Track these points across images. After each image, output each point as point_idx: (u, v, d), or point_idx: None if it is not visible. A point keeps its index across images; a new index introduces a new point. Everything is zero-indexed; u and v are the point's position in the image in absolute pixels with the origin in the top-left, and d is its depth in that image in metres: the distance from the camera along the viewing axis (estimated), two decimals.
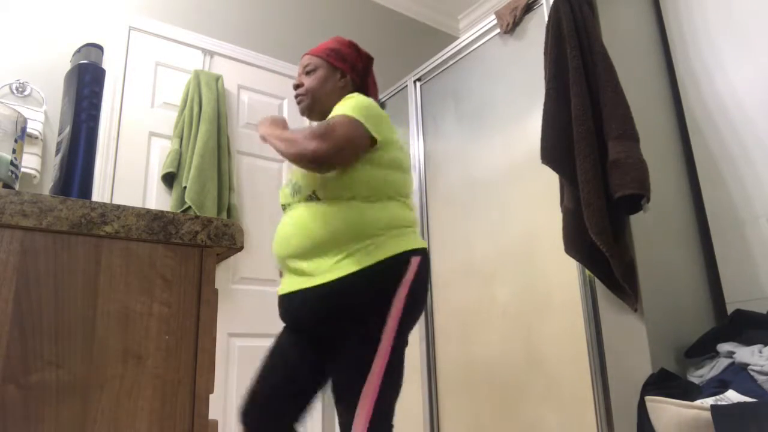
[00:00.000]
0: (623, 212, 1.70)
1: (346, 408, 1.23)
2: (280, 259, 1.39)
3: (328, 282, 1.27)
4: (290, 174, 1.49)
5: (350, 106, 1.34)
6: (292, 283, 1.35)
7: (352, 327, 1.27)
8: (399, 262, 1.29)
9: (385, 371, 1.22)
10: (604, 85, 1.75)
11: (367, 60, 1.59)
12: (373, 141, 1.34)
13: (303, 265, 1.32)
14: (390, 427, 1.24)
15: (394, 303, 1.25)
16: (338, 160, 1.28)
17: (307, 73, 1.52)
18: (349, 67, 1.53)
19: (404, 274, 1.28)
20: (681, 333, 1.72)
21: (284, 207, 1.47)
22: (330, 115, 1.37)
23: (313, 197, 1.35)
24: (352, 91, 1.54)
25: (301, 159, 1.27)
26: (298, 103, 1.53)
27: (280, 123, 1.44)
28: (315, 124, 1.42)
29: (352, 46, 1.56)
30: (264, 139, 1.40)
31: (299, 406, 1.36)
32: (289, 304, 1.36)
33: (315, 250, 1.30)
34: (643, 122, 1.88)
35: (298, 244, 1.33)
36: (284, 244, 1.36)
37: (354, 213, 1.30)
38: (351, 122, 1.31)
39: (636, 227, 1.75)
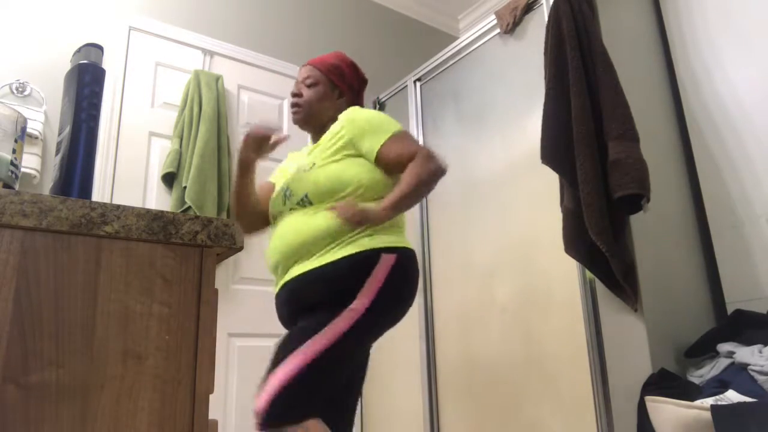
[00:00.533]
0: (623, 212, 1.70)
1: (274, 362, 1.23)
2: (274, 267, 1.43)
3: (304, 272, 1.33)
4: (281, 182, 1.51)
5: (379, 126, 1.42)
6: (286, 278, 1.39)
7: (310, 312, 1.30)
8: (367, 258, 1.31)
9: (330, 347, 1.21)
10: (604, 85, 1.75)
11: (363, 82, 1.65)
12: None
13: (293, 264, 1.38)
14: (311, 404, 1.20)
15: (361, 295, 1.26)
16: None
17: (308, 86, 1.55)
18: (347, 87, 1.58)
19: (373, 267, 1.30)
20: (681, 333, 1.72)
21: (274, 216, 1.49)
22: (364, 144, 1.41)
23: (305, 201, 1.39)
24: (344, 109, 1.56)
25: (439, 179, 1.38)
26: (294, 113, 1.57)
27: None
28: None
29: (353, 67, 1.62)
30: (388, 217, 1.30)
31: None
32: (279, 297, 1.42)
33: (303, 250, 1.35)
34: (643, 122, 1.88)
35: (289, 248, 1.37)
36: (276, 256, 1.41)
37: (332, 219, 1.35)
38: (404, 135, 1.44)
39: (636, 227, 1.75)
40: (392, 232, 1.39)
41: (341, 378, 1.28)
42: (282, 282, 1.40)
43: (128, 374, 0.65)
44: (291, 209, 1.42)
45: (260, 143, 1.46)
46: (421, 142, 2.60)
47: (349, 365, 1.31)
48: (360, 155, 1.42)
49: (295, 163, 1.54)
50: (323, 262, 1.32)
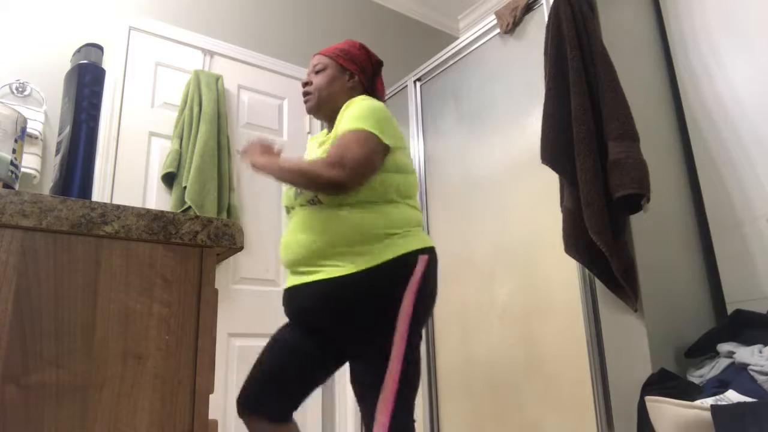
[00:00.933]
0: (623, 212, 1.70)
1: (367, 410, 1.25)
2: (287, 264, 1.40)
3: (334, 277, 1.28)
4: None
5: (359, 115, 1.33)
6: (298, 279, 1.36)
7: (363, 330, 1.28)
8: (406, 262, 1.29)
9: (402, 371, 1.23)
10: (604, 85, 1.75)
11: (377, 63, 1.59)
12: (387, 148, 1.34)
13: (309, 267, 1.33)
14: (412, 422, 1.26)
15: (404, 303, 1.26)
16: (357, 184, 1.27)
17: (316, 72, 1.52)
18: (358, 69, 1.53)
19: (411, 274, 1.28)
20: (681, 333, 1.72)
21: (288, 209, 1.47)
22: (340, 126, 1.36)
23: (315, 201, 1.36)
24: (360, 93, 1.53)
25: (317, 190, 1.27)
26: (306, 101, 1.53)
27: (272, 150, 1.41)
28: (319, 151, 1.43)
29: (363, 49, 1.56)
30: (260, 169, 1.32)
31: (297, 393, 1.37)
32: (295, 294, 1.36)
33: (320, 253, 1.31)
34: (643, 122, 1.88)
35: (305, 251, 1.33)
36: (291, 250, 1.37)
37: (358, 216, 1.31)
38: (365, 138, 1.29)
39: (636, 227, 1.75)
40: (419, 232, 1.38)
41: (417, 389, 1.31)
42: (306, 280, 1.33)
43: (128, 374, 0.65)
44: (301, 205, 1.38)
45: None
46: (421, 142, 2.60)
47: (418, 375, 1.31)
48: None
49: (312, 152, 1.51)
50: (359, 268, 1.27)
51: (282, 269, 2.66)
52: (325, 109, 1.51)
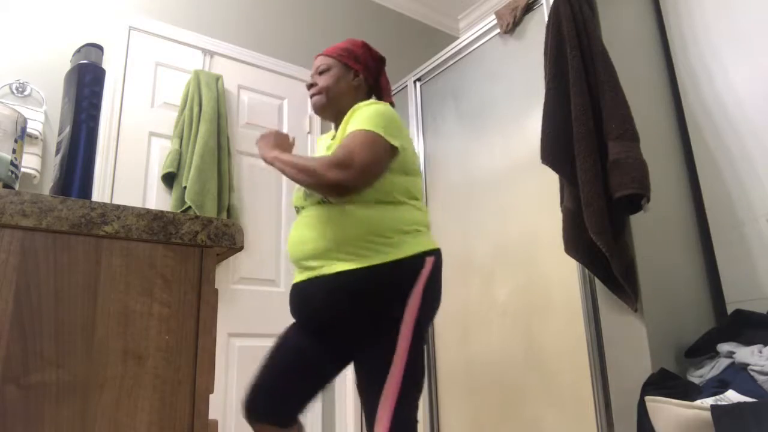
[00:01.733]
0: (623, 212, 1.70)
1: (370, 408, 1.25)
2: (295, 261, 1.41)
3: (340, 272, 1.28)
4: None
5: (366, 117, 1.33)
6: (305, 274, 1.36)
7: (367, 328, 1.28)
8: (413, 263, 1.30)
9: (405, 370, 1.24)
10: (604, 85, 1.75)
11: (380, 60, 1.59)
12: (394, 150, 1.33)
13: (316, 262, 1.34)
14: (414, 422, 1.27)
15: (410, 303, 1.27)
16: (363, 186, 1.26)
17: (320, 73, 1.52)
18: (363, 67, 1.54)
19: (418, 274, 1.29)
20: (681, 333, 1.72)
21: (297, 209, 1.47)
22: (347, 126, 1.36)
23: (324, 200, 1.36)
24: (365, 91, 1.55)
25: (321, 190, 1.27)
26: (313, 102, 1.53)
27: (285, 144, 1.43)
28: (325, 149, 1.44)
29: (365, 47, 1.57)
30: (270, 162, 1.35)
31: (304, 397, 1.38)
32: (302, 289, 1.37)
33: (328, 251, 1.31)
34: (643, 122, 1.88)
35: (311, 246, 1.34)
36: (298, 247, 1.37)
37: (366, 214, 1.31)
38: (371, 140, 1.28)
39: (636, 227, 1.75)
40: (426, 233, 1.38)
41: (421, 390, 1.31)
42: (313, 275, 1.33)
43: (128, 374, 0.65)
44: (312, 204, 1.38)
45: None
46: (421, 142, 2.60)
47: (422, 375, 1.31)
48: None
49: (321, 148, 1.52)
50: (366, 264, 1.27)
51: (282, 269, 2.66)
52: (332, 108, 1.51)
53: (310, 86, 1.54)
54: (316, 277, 1.32)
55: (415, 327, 1.26)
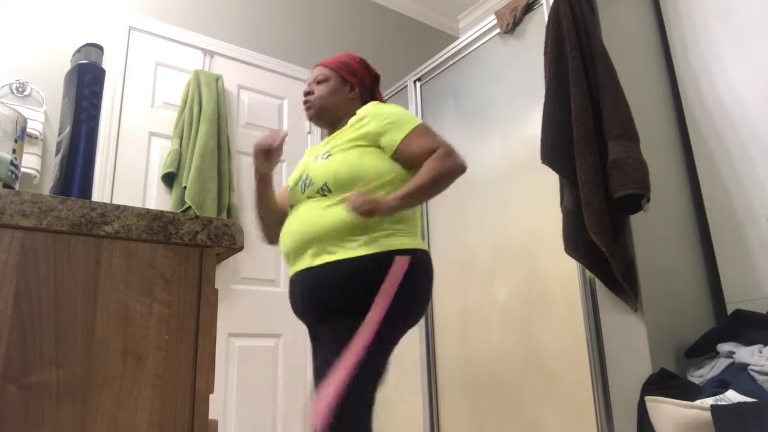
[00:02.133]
0: (623, 212, 1.70)
1: (318, 390, 1.26)
2: (288, 254, 1.43)
3: (330, 262, 1.32)
4: (300, 170, 1.52)
5: (402, 120, 1.43)
6: (301, 265, 1.39)
7: (336, 316, 1.30)
8: (388, 258, 1.31)
9: (362, 360, 1.22)
10: (604, 85, 1.75)
11: (375, 77, 1.66)
12: None
13: (309, 253, 1.37)
14: (365, 416, 1.23)
15: (381, 296, 1.27)
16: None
17: (318, 83, 1.58)
18: (359, 82, 1.60)
19: (389, 270, 1.29)
20: (681, 333, 1.72)
21: (292, 206, 1.50)
22: (383, 134, 1.41)
23: (325, 189, 1.39)
24: (359, 104, 1.59)
25: (454, 179, 1.38)
26: (307, 109, 1.58)
27: (373, 199, 1.32)
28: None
29: (362, 63, 1.63)
30: (399, 208, 1.30)
31: None
32: (300, 278, 1.40)
33: (321, 238, 1.34)
34: (643, 122, 1.88)
35: (302, 237, 1.37)
36: (290, 240, 1.41)
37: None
38: (426, 130, 1.43)
39: (636, 227, 1.75)
40: (409, 233, 1.39)
41: (376, 388, 1.29)
42: (301, 267, 1.39)
43: (128, 374, 0.65)
44: (309, 197, 1.42)
45: (268, 151, 1.47)
46: None
47: (382, 374, 1.30)
48: (378, 147, 1.42)
49: (312, 156, 1.54)
50: (348, 256, 1.31)
51: (282, 269, 2.66)
52: (325, 117, 1.57)
53: (306, 94, 1.59)
54: (309, 269, 1.36)
55: (383, 323, 1.25)
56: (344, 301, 1.30)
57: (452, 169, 1.35)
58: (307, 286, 1.36)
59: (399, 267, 1.30)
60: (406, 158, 1.40)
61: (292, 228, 1.41)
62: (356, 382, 1.21)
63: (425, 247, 1.41)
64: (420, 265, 1.35)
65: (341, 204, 1.34)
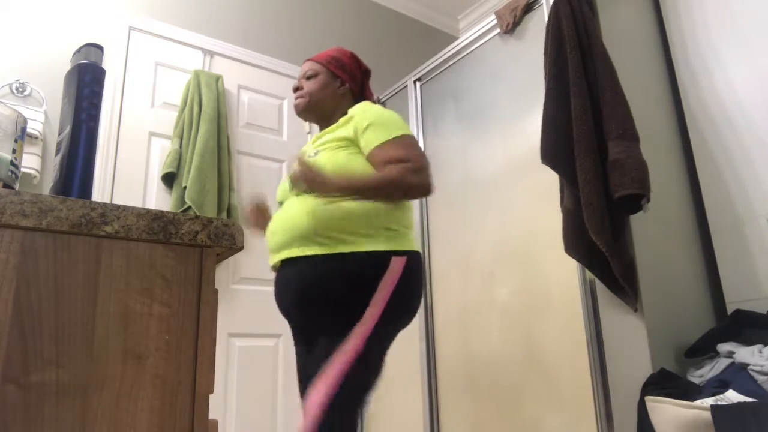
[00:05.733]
0: (623, 212, 1.70)
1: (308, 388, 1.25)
2: (272, 249, 1.43)
3: (309, 256, 1.31)
4: (290, 168, 1.51)
5: (385, 125, 1.39)
6: (279, 257, 1.39)
7: (327, 316, 1.29)
8: (381, 258, 1.30)
9: (354, 361, 1.21)
10: (604, 85, 1.75)
11: (365, 72, 1.64)
12: None
13: (291, 250, 1.36)
14: (352, 419, 1.22)
15: (375, 299, 1.26)
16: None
17: (308, 78, 1.56)
18: (349, 77, 1.58)
19: (384, 271, 1.29)
20: (681, 333, 1.72)
21: (281, 204, 1.50)
22: (361, 134, 1.39)
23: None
24: (350, 100, 1.58)
25: (407, 197, 1.33)
26: (296, 104, 1.57)
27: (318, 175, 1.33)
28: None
29: (353, 58, 1.61)
30: (335, 191, 1.26)
31: None
32: (280, 273, 1.40)
33: (302, 238, 1.33)
34: (643, 122, 1.88)
35: (285, 233, 1.36)
36: (274, 236, 1.41)
37: (347, 206, 1.32)
38: (408, 142, 1.37)
39: (636, 227, 1.75)
40: (404, 234, 1.38)
41: (370, 389, 1.28)
42: (284, 258, 1.36)
43: (128, 374, 0.65)
44: (297, 194, 1.41)
45: (262, 210, 1.53)
46: (421, 142, 2.60)
47: (376, 375, 1.29)
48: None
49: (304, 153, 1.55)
50: (338, 251, 1.29)
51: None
52: (314, 112, 1.56)
53: (296, 89, 1.58)
54: (289, 259, 1.35)
55: (376, 326, 1.25)
56: (338, 295, 1.29)
57: (411, 186, 1.29)
58: (291, 282, 1.35)
59: (395, 270, 1.30)
60: (375, 165, 1.35)
61: (278, 224, 1.40)
62: (346, 385, 1.21)
63: (418, 248, 1.40)
64: (413, 267, 1.35)
65: (328, 201, 1.33)
